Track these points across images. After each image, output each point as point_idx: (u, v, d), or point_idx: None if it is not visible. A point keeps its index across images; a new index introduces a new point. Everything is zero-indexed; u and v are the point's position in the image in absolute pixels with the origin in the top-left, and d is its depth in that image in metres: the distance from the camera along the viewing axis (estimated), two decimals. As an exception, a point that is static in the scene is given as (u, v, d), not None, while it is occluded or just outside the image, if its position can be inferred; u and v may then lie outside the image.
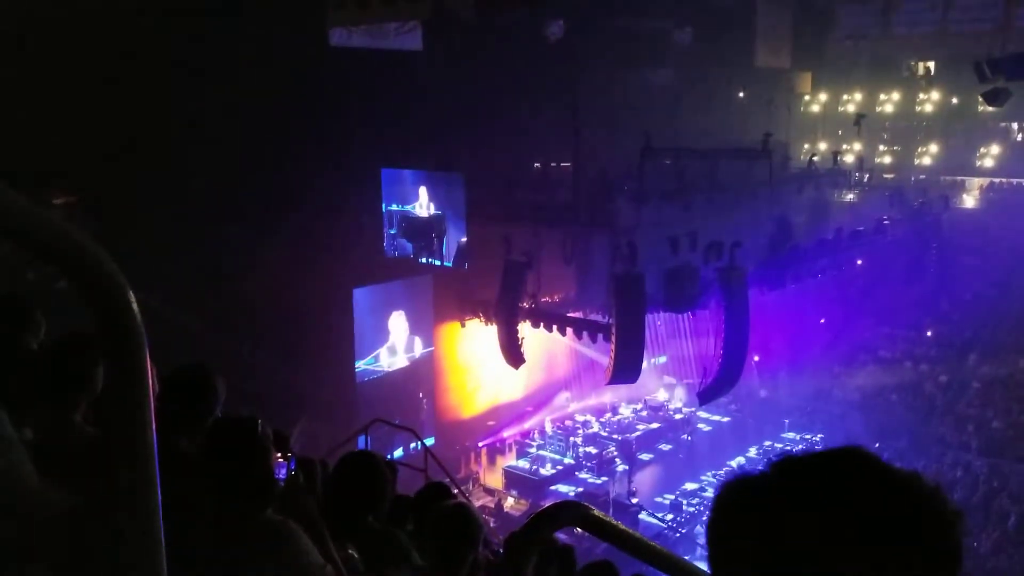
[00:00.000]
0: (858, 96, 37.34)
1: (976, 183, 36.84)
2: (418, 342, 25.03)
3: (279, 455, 3.31)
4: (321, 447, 10.23)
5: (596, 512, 2.49)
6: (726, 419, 30.03)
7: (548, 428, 28.11)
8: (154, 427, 1.62)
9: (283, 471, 3.41)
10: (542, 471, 25.78)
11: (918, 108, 37.11)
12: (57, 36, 15.81)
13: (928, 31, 30.59)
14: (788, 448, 27.80)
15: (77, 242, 1.46)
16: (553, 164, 25.69)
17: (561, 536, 7.99)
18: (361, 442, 11.24)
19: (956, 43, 30.02)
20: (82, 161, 16.49)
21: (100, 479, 1.74)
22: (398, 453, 19.63)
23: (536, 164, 25.76)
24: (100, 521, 1.77)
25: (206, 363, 4.20)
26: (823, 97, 38.10)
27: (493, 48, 22.84)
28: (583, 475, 26.34)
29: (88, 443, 3.03)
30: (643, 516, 23.43)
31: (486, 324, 24.73)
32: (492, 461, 26.98)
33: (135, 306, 1.50)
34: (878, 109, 36.95)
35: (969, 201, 36.45)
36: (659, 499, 25.02)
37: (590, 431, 28.19)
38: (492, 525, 18.83)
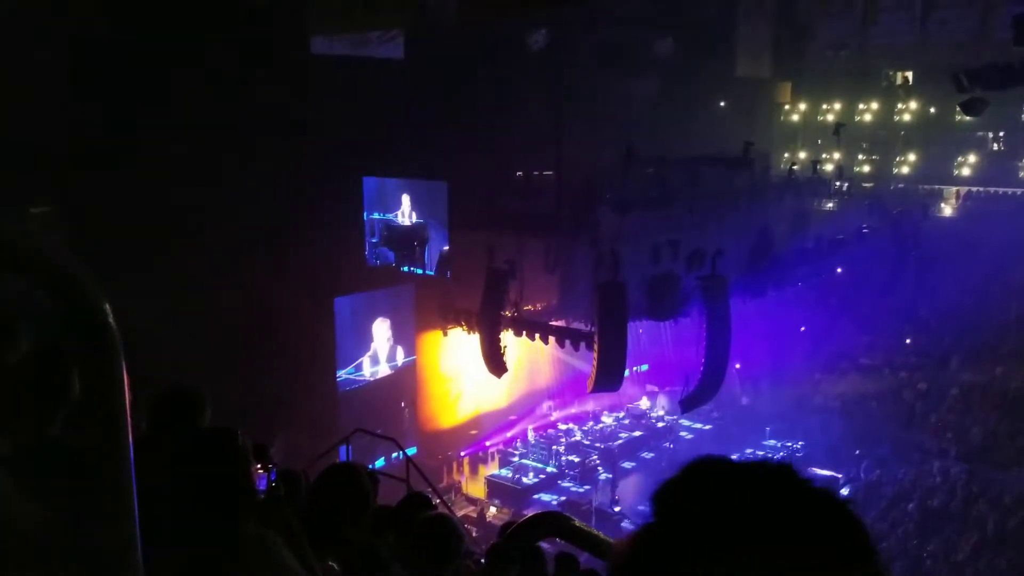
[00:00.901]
0: (837, 106, 37.58)
1: (954, 192, 37.14)
2: (400, 351, 24.96)
3: (259, 466, 3.29)
4: (302, 457, 10.18)
5: (576, 522, 2.48)
6: (708, 427, 30.12)
7: (531, 437, 28.10)
8: (131, 438, 1.61)
9: (263, 482, 3.39)
10: (525, 480, 25.78)
11: (896, 118, 37.37)
12: (36, 42, 15.71)
13: (906, 42, 30.89)
14: (769, 455, 27.94)
15: (52, 253, 1.45)
16: (536, 173, 25.73)
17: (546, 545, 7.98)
18: (343, 452, 11.21)
19: (934, 54, 30.30)
20: (59, 170, 16.38)
21: (77, 491, 1.73)
22: (380, 463, 19.58)
23: (519, 173, 25.79)
24: (78, 533, 1.75)
25: (195, 383, 4.22)
26: (803, 106, 38.32)
27: (475, 57, 22.87)
28: (566, 484, 26.35)
29: (65, 454, 3.00)
30: (626, 524, 23.45)
31: (468, 333, 24.71)
32: (474, 470, 26.94)
33: (111, 317, 1.49)
34: (857, 118, 37.18)
35: (947, 209, 36.71)
36: (642, 507, 25.02)
37: (573, 439, 28.21)
38: (475, 535, 18.78)
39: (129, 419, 1.58)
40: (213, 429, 3.29)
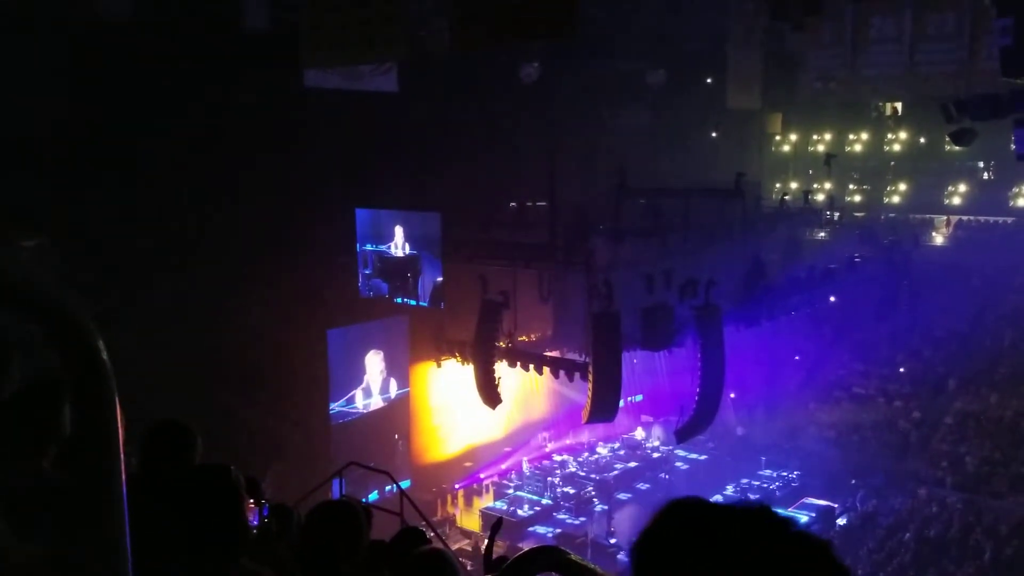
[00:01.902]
0: (828, 136, 37.92)
1: (944, 220, 37.39)
2: (393, 383, 24.87)
3: (251, 501, 3.25)
4: (295, 492, 10.10)
5: (572, 556, 2.45)
6: (703, 457, 30.01)
7: (525, 468, 27.94)
8: (124, 474, 1.59)
9: (255, 518, 3.35)
10: (520, 512, 25.59)
11: (887, 148, 37.72)
12: (22, 74, 15.74)
13: (895, 73, 31.13)
14: (764, 485, 27.86)
15: (45, 286, 1.43)
16: (529, 203, 25.80)
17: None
18: (336, 486, 11.11)
19: (922, 84, 30.54)
20: (49, 201, 16.36)
21: (70, 528, 1.70)
22: (373, 496, 19.41)
23: (512, 203, 25.86)
24: (70, 570, 1.72)
25: (185, 417, 4.20)
26: (794, 137, 38.64)
27: (469, 89, 23.01)
28: (561, 516, 26.17)
29: (57, 491, 2.97)
30: (622, 556, 23.26)
31: (462, 364, 24.62)
32: (469, 503, 26.75)
33: (104, 352, 1.47)
34: (847, 149, 37.51)
35: (938, 238, 36.95)
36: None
37: (568, 471, 28.07)
38: (470, 568, 18.61)
39: (123, 454, 1.56)
40: (207, 465, 3.26)
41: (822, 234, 33.59)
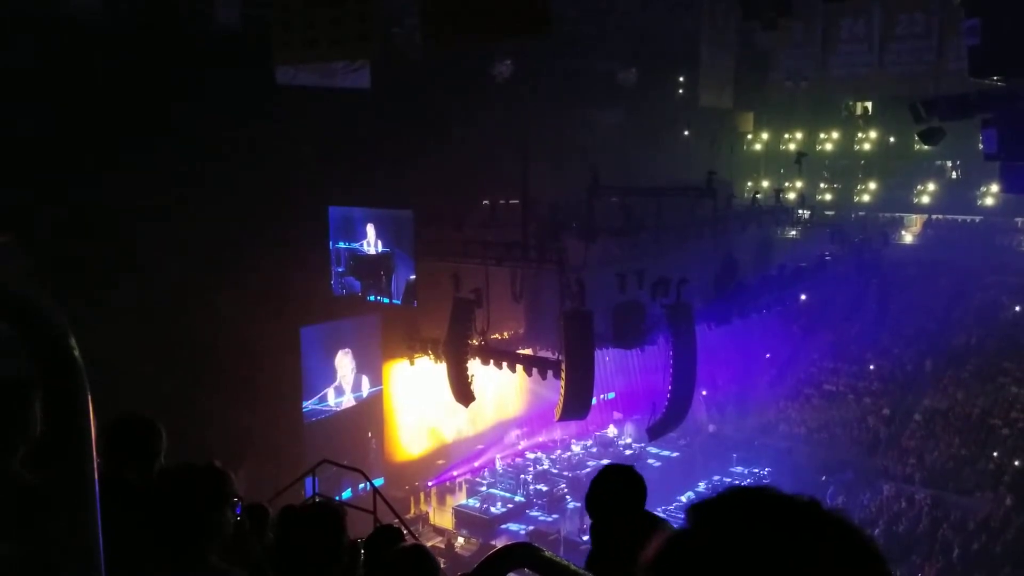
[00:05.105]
0: (799, 135, 38.21)
1: (914, 219, 37.80)
2: (366, 381, 24.80)
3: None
4: (267, 489, 10.04)
5: (547, 553, 2.47)
6: (675, 454, 30.15)
7: (498, 466, 27.96)
8: (96, 472, 1.58)
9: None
10: (492, 510, 25.61)
11: (857, 147, 38.08)
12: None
13: (865, 73, 31.46)
14: (736, 481, 28.03)
15: (16, 285, 1.43)
16: (502, 202, 25.80)
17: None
18: (308, 484, 11.06)
19: (892, 84, 30.88)
20: (16, 198, 16.14)
21: (41, 527, 1.69)
22: (346, 494, 19.36)
23: (485, 202, 25.84)
24: (43, 569, 1.71)
25: (148, 412, 4.15)
26: (765, 136, 38.91)
27: (442, 87, 22.96)
28: (534, 513, 26.22)
29: (27, 490, 2.94)
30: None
31: (436, 362, 24.61)
32: (442, 501, 26.74)
33: (77, 350, 1.47)
34: (818, 148, 37.81)
35: (907, 237, 37.35)
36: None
37: (541, 468, 28.12)
38: (443, 566, 18.59)
39: (95, 453, 1.55)
40: (202, 466, 3.23)
41: (793, 233, 33.84)
